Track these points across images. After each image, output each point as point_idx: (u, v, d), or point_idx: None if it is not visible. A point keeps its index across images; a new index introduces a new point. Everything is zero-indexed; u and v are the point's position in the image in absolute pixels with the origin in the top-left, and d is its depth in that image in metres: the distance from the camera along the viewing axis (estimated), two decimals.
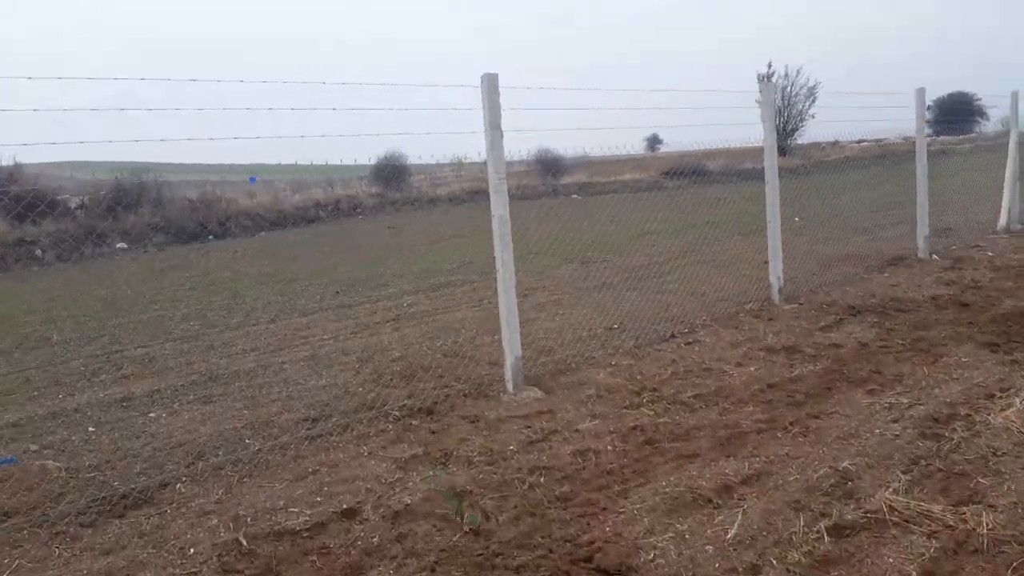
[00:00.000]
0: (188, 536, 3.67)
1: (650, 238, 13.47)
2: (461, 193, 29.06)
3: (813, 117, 45.24)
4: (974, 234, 11.23)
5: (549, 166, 33.86)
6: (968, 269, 8.66)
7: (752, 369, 5.64)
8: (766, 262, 9.95)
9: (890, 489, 3.36)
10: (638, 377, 5.58)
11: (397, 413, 5.16)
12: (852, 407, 4.64)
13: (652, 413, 4.87)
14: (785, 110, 48.32)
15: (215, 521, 3.79)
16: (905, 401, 4.62)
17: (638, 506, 3.59)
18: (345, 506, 3.85)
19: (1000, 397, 4.52)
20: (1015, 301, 7.02)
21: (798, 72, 46.30)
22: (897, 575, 2.73)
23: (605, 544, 3.23)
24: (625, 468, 4.13)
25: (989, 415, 4.23)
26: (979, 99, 52.89)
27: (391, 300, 9.72)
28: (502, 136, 5.31)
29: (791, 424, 4.48)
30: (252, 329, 8.46)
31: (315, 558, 3.41)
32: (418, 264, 12.82)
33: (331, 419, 5.19)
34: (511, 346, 5.46)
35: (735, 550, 3.08)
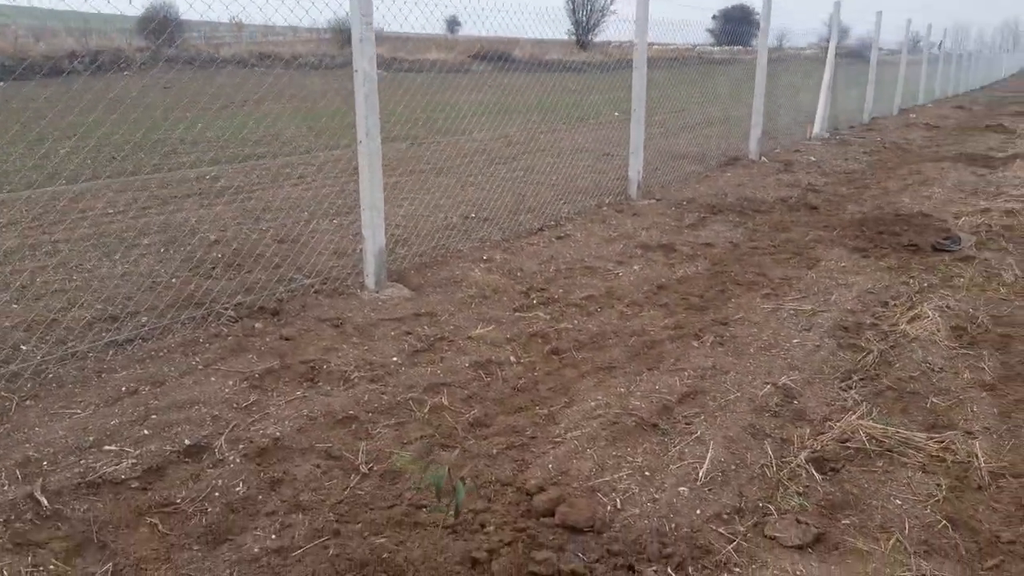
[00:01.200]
0: None
1: (476, 119, 12.64)
2: (249, 56, 25.85)
3: (614, 13, 45.73)
4: (789, 140, 11.73)
5: (349, 36, 31.12)
6: (800, 173, 8.93)
7: (636, 268, 5.22)
8: (607, 154, 9.63)
9: (857, 414, 3.05)
10: (518, 274, 4.94)
11: (232, 313, 4.09)
12: (755, 313, 4.37)
13: (548, 317, 4.27)
14: (587, 3, 48.44)
15: None
16: (808, 308, 4.43)
17: (574, 434, 3.00)
18: (188, 442, 2.87)
19: (896, 306, 4.47)
20: (857, 207, 7.25)
21: None
22: (918, 521, 2.39)
23: (552, 486, 2.62)
24: (539, 384, 3.52)
25: (898, 325, 4.13)
26: (756, 13, 56.72)
27: (186, 170, 8.12)
28: None
29: (701, 331, 4.11)
30: (7, 197, 6.59)
31: (156, 520, 2.46)
32: (212, 131, 10.97)
33: (139, 319, 4.01)
34: (374, 234, 4.53)
35: (713, 492, 2.60)
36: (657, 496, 2.57)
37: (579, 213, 6.62)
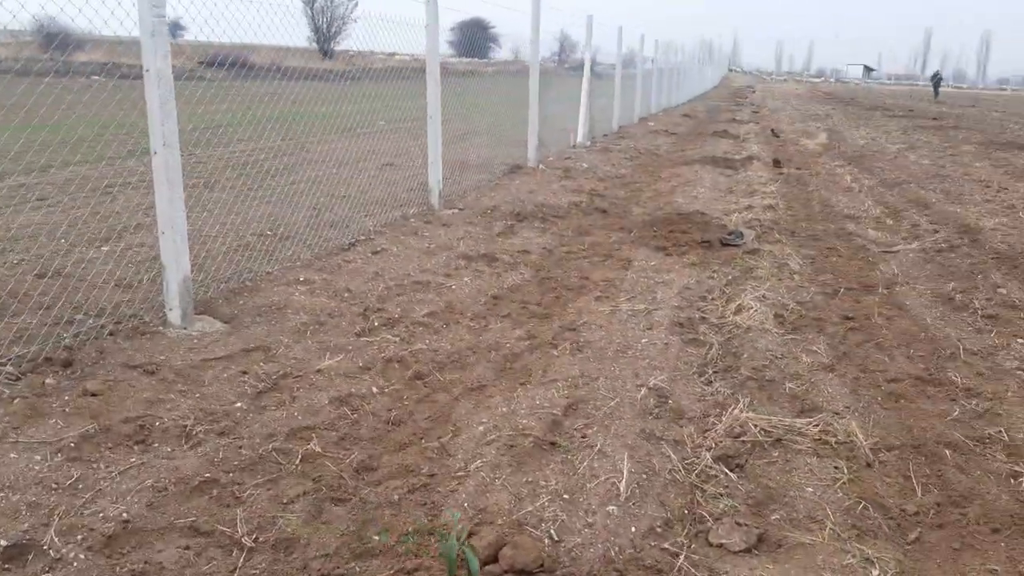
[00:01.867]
0: None
1: (232, 129, 11.68)
2: None
3: (355, 21, 45.29)
4: (557, 148, 12.32)
5: (53, 39, 27.38)
6: (581, 179, 9.39)
7: (467, 280, 5.09)
8: (388, 164, 9.42)
9: (740, 406, 3.18)
10: (346, 295, 4.57)
11: (11, 369, 3.29)
12: (597, 316, 4.45)
13: (397, 339, 3.99)
14: (328, 10, 47.56)
15: None
16: (641, 307, 4.60)
17: (476, 464, 2.79)
18: (3, 543, 2.21)
19: (714, 299, 4.80)
20: (641, 208, 7.77)
21: None
22: (837, 506, 2.52)
23: (483, 527, 2.39)
24: (414, 415, 3.25)
25: (726, 317, 4.43)
26: (493, 26, 59.40)
27: None
28: None
29: (555, 340, 4.09)
30: None
31: None
32: None
33: None
34: (177, 260, 3.92)
35: (639, 506, 2.55)
36: (590, 520, 2.45)
37: (387, 226, 6.33)
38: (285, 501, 2.57)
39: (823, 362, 3.77)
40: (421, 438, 3.05)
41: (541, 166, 10.16)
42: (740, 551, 2.28)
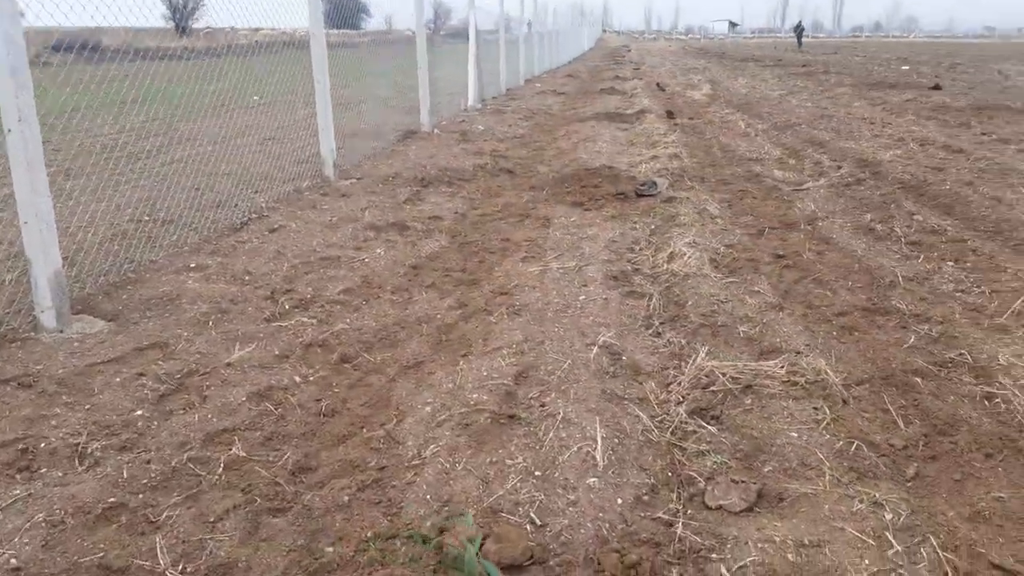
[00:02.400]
0: None
1: (84, 115, 10.63)
2: None
3: None
4: (449, 112, 11.92)
5: None
6: (479, 141, 9.06)
7: (380, 251, 4.71)
8: (270, 138, 8.82)
9: (701, 355, 3.00)
10: (247, 278, 4.11)
11: None
12: (527, 278, 4.19)
13: (315, 321, 3.60)
14: None
15: None
16: (571, 264, 4.38)
17: (431, 450, 2.49)
18: None
19: (643, 249, 4.64)
20: (547, 167, 7.55)
21: None
22: (829, 449, 2.38)
23: (449, 521, 2.10)
24: (348, 402, 2.90)
25: (660, 266, 4.27)
26: None
27: None
28: None
29: (489, 305, 3.81)
30: None
31: None
32: None
33: None
34: (46, 253, 3.38)
35: (619, 474, 2.32)
36: (572, 497, 2.21)
37: (280, 201, 5.82)
38: (212, 519, 2.19)
39: (769, 302, 3.67)
40: (361, 427, 2.71)
41: (436, 131, 9.77)
42: (741, 511, 2.09)
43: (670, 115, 11.25)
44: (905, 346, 3.14)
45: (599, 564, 1.92)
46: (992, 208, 5.13)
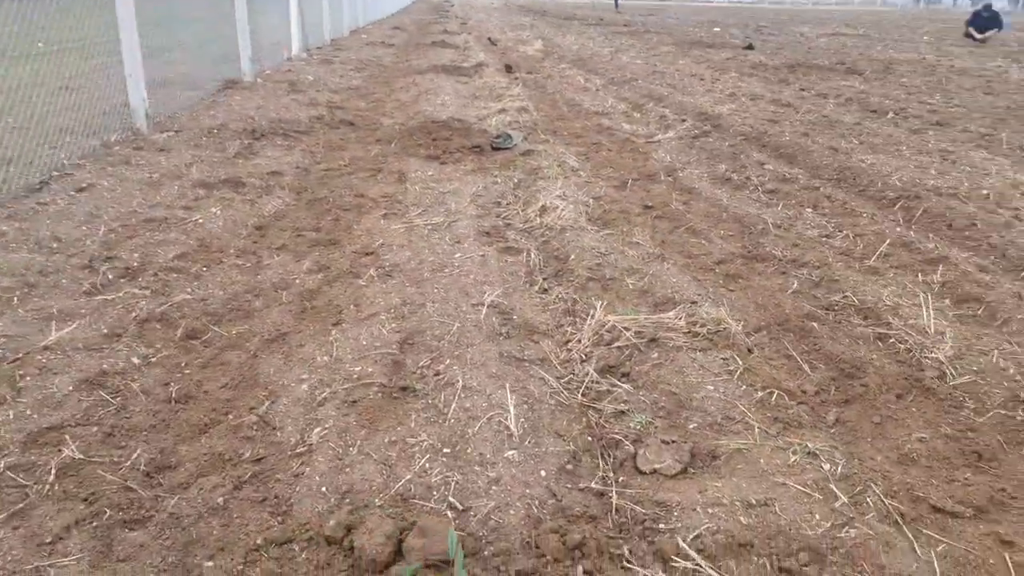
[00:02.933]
0: None
1: None
2: None
3: None
4: (272, 61, 11.04)
5: None
6: (312, 92, 8.42)
7: (215, 211, 4.17)
8: (65, 88, 7.75)
9: (598, 310, 2.85)
10: (56, 245, 3.47)
11: None
12: (393, 236, 3.87)
13: (148, 292, 3.08)
14: None
15: None
16: (439, 220, 4.10)
17: (316, 433, 2.17)
18: None
19: (510, 204, 4.44)
20: (391, 119, 7.13)
21: None
22: (748, 399, 2.30)
23: (356, 516, 1.81)
24: (205, 385, 2.50)
25: (532, 220, 4.09)
26: None
27: None
28: None
29: (355, 268, 3.46)
30: None
31: None
32: None
33: None
34: None
35: (537, 444, 2.13)
36: (492, 474, 1.98)
37: (86, 157, 5.03)
38: (49, 540, 1.75)
39: (651, 252, 3.60)
40: (226, 413, 2.32)
41: (259, 80, 8.98)
42: (677, 473, 1.96)
43: (509, 69, 11.09)
44: (790, 291, 3.18)
45: (539, 548, 1.71)
46: (832, 157, 5.41)
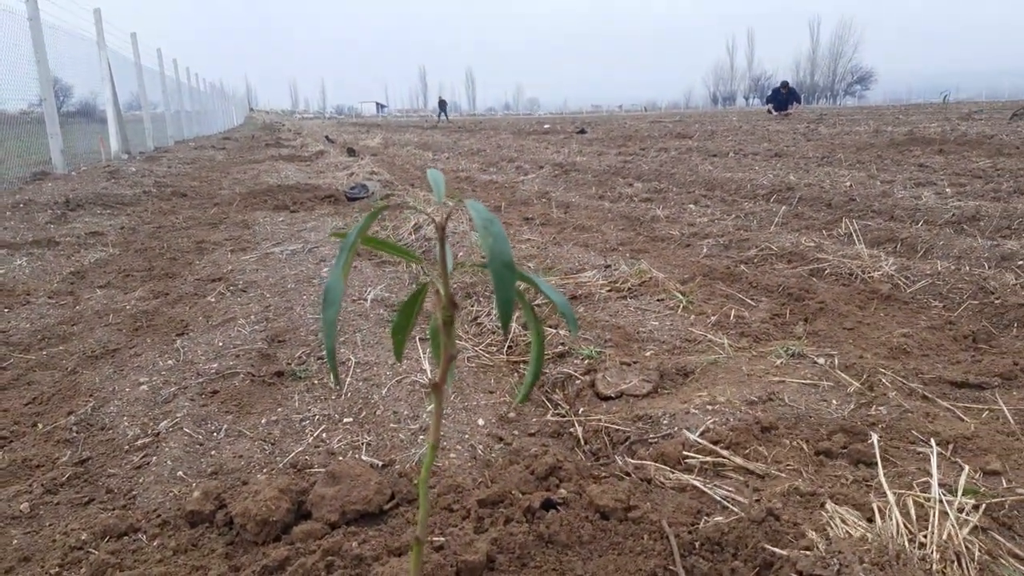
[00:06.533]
0: None
1: None
2: None
3: None
4: (90, 158, 10.21)
5: None
6: (135, 178, 7.71)
7: (20, 263, 3.49)
8: None
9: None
10: None
11: None
12: (244, 264, 3.35)
13: None
14: None
15: None
16: (298, 247, 3.62)
17: (166, 425, 1.61)
18: None
19: (385, 229, 4.04)
20: (228, 190, 6.57)
21: None
22: (709, 326, 1.96)
23: (235, 487, 1.28)
24: (1, 406, 1.85)
25: (407, 237, 3.70)
26: None
27: None
28: None
29: (200, 291, 2.91)
30: None
31: None
32: None
33: None
34: None
35: (464, 398, 1.68)
36: (415, 427, 1.51)
37: None
38: None
39: (544, 242, 3.30)
40: (33, 425, 1.70)
41: (75, 173, 8.17)
42: (648, 392, 1.58)
43: (352, 152, 10.85)
44: (703, 255, 2.96)
45: (498, 484, 1.25)
46: (696, 175, 5.47)
